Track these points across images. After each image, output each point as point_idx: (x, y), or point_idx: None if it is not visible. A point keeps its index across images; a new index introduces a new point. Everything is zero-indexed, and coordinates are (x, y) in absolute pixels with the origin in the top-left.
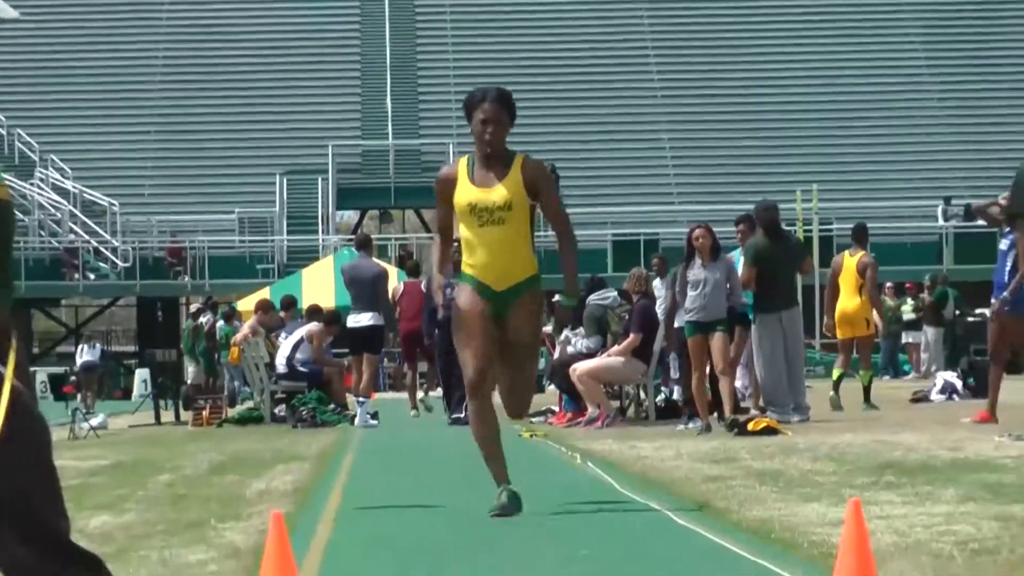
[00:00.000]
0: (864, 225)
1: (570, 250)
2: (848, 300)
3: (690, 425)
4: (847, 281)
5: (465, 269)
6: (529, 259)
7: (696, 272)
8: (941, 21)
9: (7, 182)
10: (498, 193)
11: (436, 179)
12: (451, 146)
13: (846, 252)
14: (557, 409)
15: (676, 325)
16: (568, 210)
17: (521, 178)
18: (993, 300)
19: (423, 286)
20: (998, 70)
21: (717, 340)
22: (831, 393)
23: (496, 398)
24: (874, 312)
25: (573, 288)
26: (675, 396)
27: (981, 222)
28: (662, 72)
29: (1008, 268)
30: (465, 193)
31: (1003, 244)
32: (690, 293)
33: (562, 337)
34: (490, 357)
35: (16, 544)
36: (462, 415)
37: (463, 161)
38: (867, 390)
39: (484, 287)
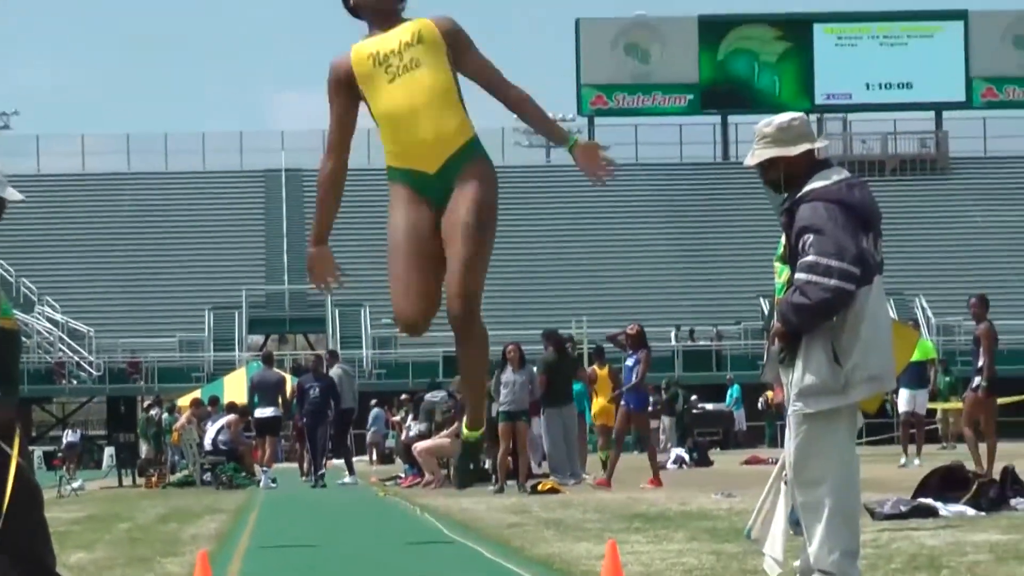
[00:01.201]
0: (601, 347)
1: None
2: (604, 399)
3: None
4: (602, 386)
5: (391, 162)
6: (460, 118)
7: (508, 376)
8: (672, 197)
9: (15, 315)
10: (402, 32)
11: (328, 76)
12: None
13: (595, 366)
14: (403, 475)
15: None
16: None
17: (428, 20)
18: (623, 402)
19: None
20: (716, 231)
21: (521, 426)
22: (604, 474)
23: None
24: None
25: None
26: (486, 466)
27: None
28: None
29: (633, 380)
30: (363, 49)
31: (629, 362)
32: (502, 391)
33: (406, 424)
34: (427, 294)
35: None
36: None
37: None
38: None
39: (416, 175)
